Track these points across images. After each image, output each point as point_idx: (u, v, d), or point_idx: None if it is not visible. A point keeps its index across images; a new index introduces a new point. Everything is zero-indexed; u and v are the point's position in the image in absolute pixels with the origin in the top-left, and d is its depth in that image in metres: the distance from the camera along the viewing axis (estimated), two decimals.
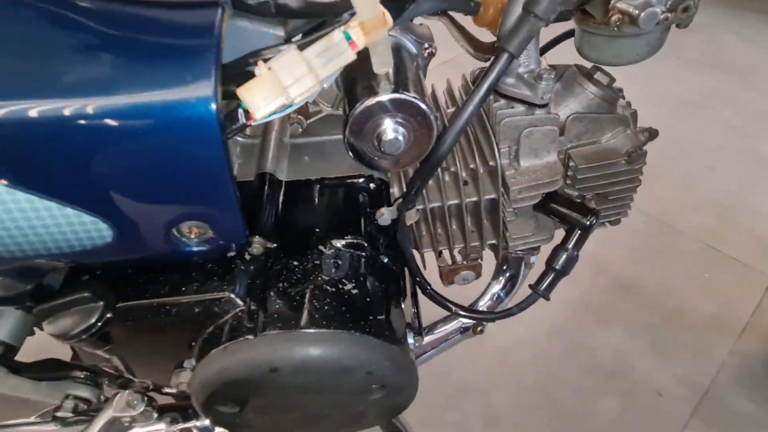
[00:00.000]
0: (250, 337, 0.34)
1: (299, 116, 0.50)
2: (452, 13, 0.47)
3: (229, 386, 0.34)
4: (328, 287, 0.37)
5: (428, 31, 0.47)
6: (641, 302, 1.05)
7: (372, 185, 0.47)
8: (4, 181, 0.27)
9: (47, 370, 0.48)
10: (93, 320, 0.35)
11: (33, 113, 0.25)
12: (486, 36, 0.50)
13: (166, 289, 0.37)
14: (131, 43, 0.28)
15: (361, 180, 0.46)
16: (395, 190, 0.48)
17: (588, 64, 0.48)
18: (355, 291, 0.38)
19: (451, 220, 0.50)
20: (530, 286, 0.50)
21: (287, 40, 0.34)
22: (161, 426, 0.53)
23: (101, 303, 0.36)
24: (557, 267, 0.48)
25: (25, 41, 0.27)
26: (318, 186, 0.45)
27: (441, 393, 0.93)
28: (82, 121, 0.26)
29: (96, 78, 0.26)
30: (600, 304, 1.05)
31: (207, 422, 0.54)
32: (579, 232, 0.47)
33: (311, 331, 0.34)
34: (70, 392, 0.49)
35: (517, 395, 0.93)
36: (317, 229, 0.41)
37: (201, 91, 0.27)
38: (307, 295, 0.36)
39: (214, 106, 0.28)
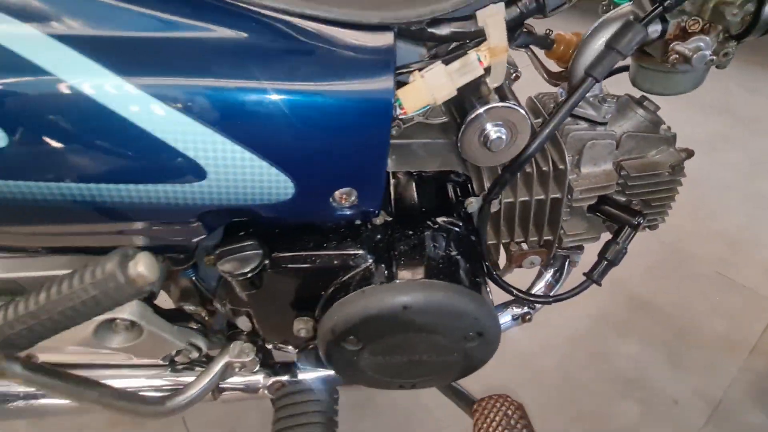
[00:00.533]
0: (384, 282, 0.43)
1: (398, 120, 0.61)
2: (532, 46, 0.58)
3: (363, 322, 0.43)
4: (440, 251, 0.46)
5: (512, 58, 0.58)
6: (656, 319, 1.14)
7: (459, 179, 0.56)
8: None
9: (175, 318, 0.56)
10: (255, 264, 0.44)
11: (273, 95, 0.36)
12: (553, 66, 0.61)
13: (310, 245, 0.46)
14: (337, 49, 0.38)
15: (451, 174, 0.56)
16: (475, 185, 0.57)
17: (637, 93, 0.59)
18: (458, 257, 0.47)
19: (519, 214, 0.60)
20: (585, 273, 0.59)
21: (432, 57, 0.45)
22: (259, 377, 0.62)
23: (261, 251, 0.45)
24: (609, 257, 0.57)
25: (262, 44, 0.37)
26: (418, 176, 0.55)
27: (471, 391, 1.00)
28: (300, 101, 0.36)
29: (312, 72, 0.37)
30: (618, 318, 1.14)
31: (296, 376, 0.62)
32: (629, 229, 0.57)
33: (435, 281, 0.43)
34: (191, 340, 0.57)
35: (539, 395, 1.01)
36: (423, 209, 0.51)
37: (384, 85, 0.38)
38: (426, 255, 0.45)
39: (392, 97, 0.38)
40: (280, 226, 0.47)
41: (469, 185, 0.57)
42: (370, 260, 0.46)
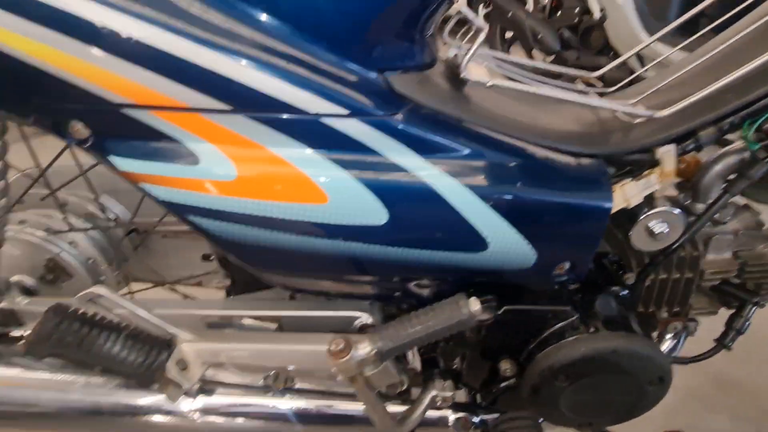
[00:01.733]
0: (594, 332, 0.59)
1: None
2: None
3: (578, 362, 0.59)
4: (622, 311, 0.63)
5: None
6: (743, 397, 1.23)
7: (614, 258, 0.74)
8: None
9: None
10: (492, 314, 0.61)
11: (541, 201, 0.56)
12: None
13: (528, 300, 0.63)
14: (570, 169, 0.58)
15: (608, 254, 0.74)
16: (633, 263, 0.75)
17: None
18: (634, 316, 0.64)
19: (658, 289, 0.77)
20: (716, 339, 0.74)
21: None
22: (447, 413, 0.75)
23: (495, 304, 0.62)
24: (737, 328, 0.73)
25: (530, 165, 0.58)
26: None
27: None
28: (559, 205, 0.56)
29: (560, 186, 0.57)
30: (707, 394, 1.23)
31: (481, 417, 0.75)
32: (751, 305, 0.73)
33: (633, 334, 0.59)
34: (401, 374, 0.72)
35: None
36: (594, 279, 0.68)
37: (607, 195, 0.57)
38: (619, 313, 0.62)
39: (610, 207, 0.57)
40: (505, 285, 0.65)
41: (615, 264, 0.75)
42: (574, 315, 0.62)
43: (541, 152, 0.58)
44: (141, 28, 0.44)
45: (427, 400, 0.71)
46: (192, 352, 0.63)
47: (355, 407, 0.71)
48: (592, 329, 0.60)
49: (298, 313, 0.72)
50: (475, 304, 0.50)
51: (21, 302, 0.73)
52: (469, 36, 0.65)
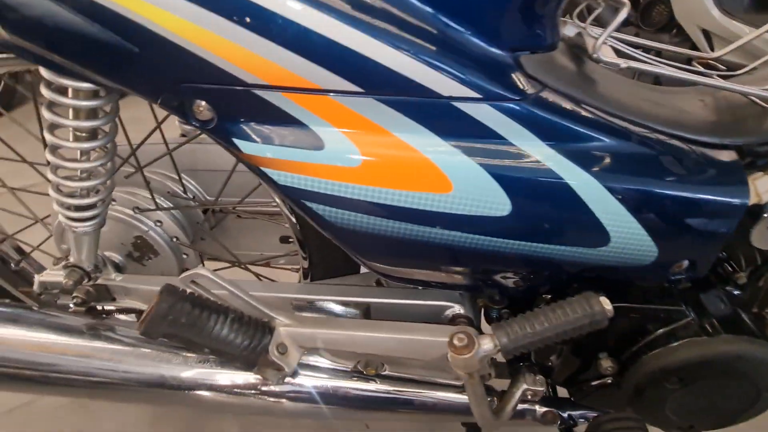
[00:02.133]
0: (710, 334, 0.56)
1: None
2: None
3: (696, 365, 0.56)
4: (740, 313, 0.59)
5: None
6: None
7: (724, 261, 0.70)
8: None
9: None
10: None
11: (671, 195, 0.52)
12: None
13: (635, 297, 0.60)
14: (705, 161, 0.54)
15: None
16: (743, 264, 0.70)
17: None
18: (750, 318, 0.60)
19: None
20: None
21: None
22: (536, 405, 0.74)
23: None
24: None
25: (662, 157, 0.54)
26: None
27: None
28: (685, 199, 0.52)
29: (691, 178, 0.53)
30: None
31: (568, 412, 0.74)
32: None
33: (757, 339, 0.56)
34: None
35: None
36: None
37: (743, 189, 0.53)
38: (738, 315, 0.59)
39: (747, 203, 0.53)
40: (613, 281, 0.62)
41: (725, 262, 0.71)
42: (689, 315, 0.59)
43: (673, 142, 0.54)
44: (281, 3, 0.42)
45: (519, 393, 0.70)
46: (290, 336, 0.63)
47: (445, 395, 0.70)
48: (710, 331, 0.57)
49: (390, 301, 0.71)
50: (606, 303, 0.48)
51: (116, 278, 0.74)
52: (593, 15, 0.60)
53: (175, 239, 0.84)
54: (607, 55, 0.53)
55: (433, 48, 0.46)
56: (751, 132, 0.58)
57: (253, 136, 0.48)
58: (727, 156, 0.56)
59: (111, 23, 0.44)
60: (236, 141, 0.48)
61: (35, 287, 0.76)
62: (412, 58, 0.45)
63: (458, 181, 0.49)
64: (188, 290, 0.59)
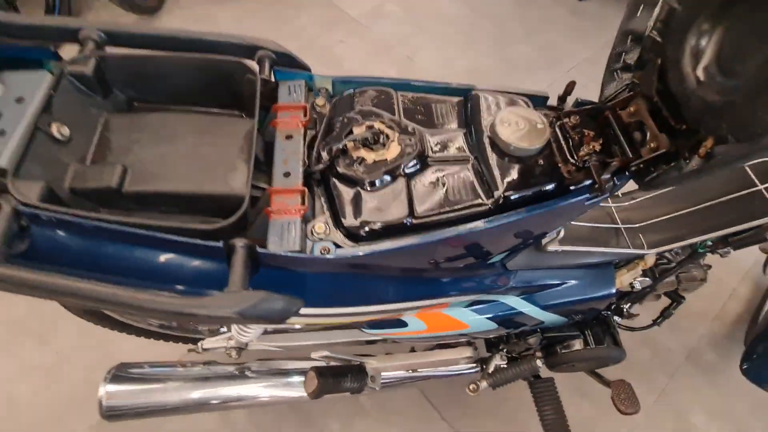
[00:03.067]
0: None
1: None
2: None
3: (580, 357, 1.14)
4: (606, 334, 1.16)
5: None
6: None
7: None
8: None
9: None
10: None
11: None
12: None
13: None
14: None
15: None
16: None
17: None
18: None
19: None
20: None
21: None
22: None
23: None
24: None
25: None
26: None
27: None
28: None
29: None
30: None
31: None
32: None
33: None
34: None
35: None
36: None
37: (608, 291, 1.03)
38: (601, 334, 1.16)
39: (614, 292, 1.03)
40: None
41: None
42: (581, 335, 1.15)
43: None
44: None
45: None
46: (376, 370, 1.14)
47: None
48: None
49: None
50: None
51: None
52: None
53: None
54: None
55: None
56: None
57: None
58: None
59: None
60: None
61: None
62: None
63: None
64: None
